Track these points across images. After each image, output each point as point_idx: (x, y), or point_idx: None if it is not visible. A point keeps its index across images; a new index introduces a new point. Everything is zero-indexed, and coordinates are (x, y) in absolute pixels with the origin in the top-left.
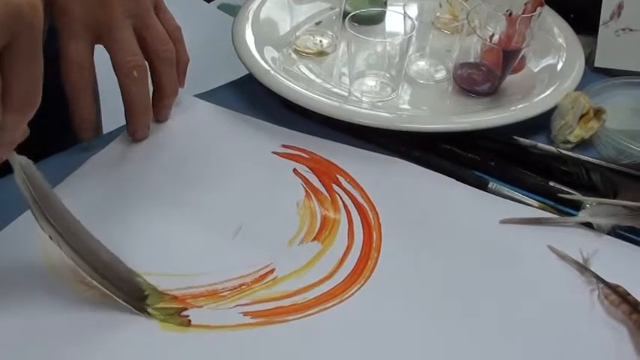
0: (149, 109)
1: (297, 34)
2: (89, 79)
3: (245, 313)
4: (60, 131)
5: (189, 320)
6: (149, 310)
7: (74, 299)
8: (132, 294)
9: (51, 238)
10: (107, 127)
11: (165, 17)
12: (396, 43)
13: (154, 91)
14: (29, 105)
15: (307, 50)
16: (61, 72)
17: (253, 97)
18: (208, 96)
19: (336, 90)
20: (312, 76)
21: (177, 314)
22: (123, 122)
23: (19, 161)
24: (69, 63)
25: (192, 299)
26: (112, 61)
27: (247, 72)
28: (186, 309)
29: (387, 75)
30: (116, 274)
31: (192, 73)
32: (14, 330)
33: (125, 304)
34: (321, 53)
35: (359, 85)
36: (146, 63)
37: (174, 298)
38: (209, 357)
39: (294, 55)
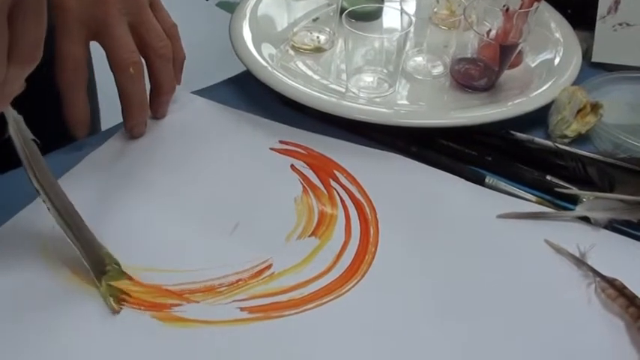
0: (146, 105)
1: (295, 30)
2: (83, 77)
3: (242, 309)
4: (59, 129)
5: (121, 308)
6: (103, 282)
7: (70, 293)
8: (95, 264)
9: (37, 192)
10: (106, 124)
11: (161, 14)
12: (393, 38)
13: (151, 88)
14: (32, 59)
15: (304, 46)
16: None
17: (251, 93)
18: (206, 93)
19: (333, 86)
20: (310, 73)
21: (116, 298)
22: (121, 119)
23: (13, 115)
24: (63, 60)
25: (190, 294)
26: (108, 58)
27: (245, 69)
28: (125, 297)
29: (385, 71)
30: (86, 240)
31: (190, 70)
32: (9, 319)
33: (89, 269)
34: (319, 49)
35: (356, 81)
36: (142, 60)
37: (130, 279)
38: (207, 352)
39: (291, 52)
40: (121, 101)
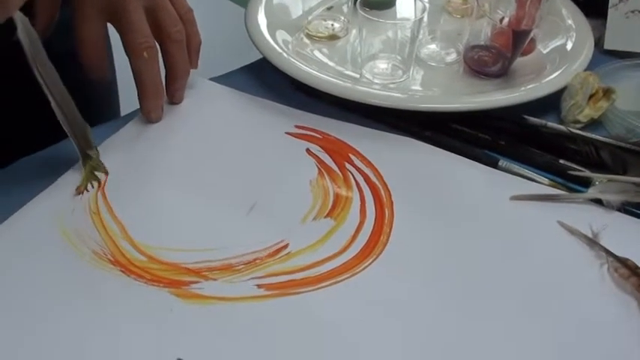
0: (161, 90)
1: (309, 18)
2: (103, 55)
3: (259, 286)
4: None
5: (85, 192)
6: (87, 167)
7: (92, 272)
8: (83, 150)
9: (39, 84)
10: (125, 110)
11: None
12: (407, 25)
13: (166, 72)
14: None
15: (319, 34)
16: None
17: (266, 80)
18: (222, 80)
19: (348, 72)
20: (325, 60)
21: (87, 180)
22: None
23: (20, 17)
24: (82, 42)
25: (208, 272)
26: (122, 43)
27: (260, 57)
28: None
29: (398, 58)
30: (79, 127)
31: (207, 58)
32: (33, 298)
33: (78, 152)
34: (333, 37)
35: (370, 67)
36: (157, 44)
37: (105, 174)
38: (224, 327)
39: (306, 40)
40: (136, 85)
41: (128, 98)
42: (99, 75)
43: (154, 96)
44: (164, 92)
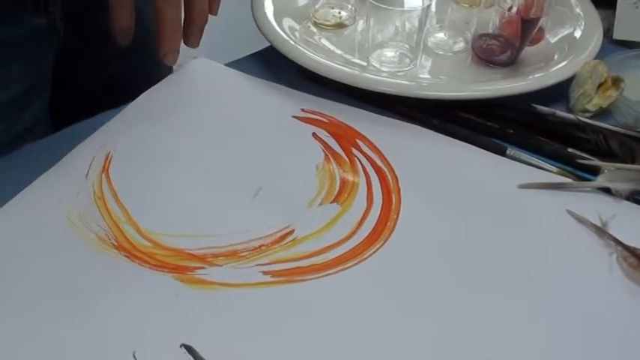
0: (179, 32)
1: (317, 6)
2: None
3: (265, 272)
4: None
5: None
6: None
7: (95, 257)
8: None
9: None
10: None
11: None
12: (415, 14)
13: (185, 17)
14: None
15: (326, 22)
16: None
17: (273, 68)
18: (230, 67)
19: (355, 60)
20: (332, 48)
21: None
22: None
23: None
24: None
25: (213, 258)
26: None
27: (267, 45)
28: None
29: (406, 46)
30: None
31: (214, 46)
32: (37, 282)
33: None
34: (340, 25)
35: (378, 55)
36: None
37: None
38: (228, 313)
39: (313, 28)
40: (156, 26)
41: None
42: (124, 27)
43: (173, 37)
44: (182, 36)
